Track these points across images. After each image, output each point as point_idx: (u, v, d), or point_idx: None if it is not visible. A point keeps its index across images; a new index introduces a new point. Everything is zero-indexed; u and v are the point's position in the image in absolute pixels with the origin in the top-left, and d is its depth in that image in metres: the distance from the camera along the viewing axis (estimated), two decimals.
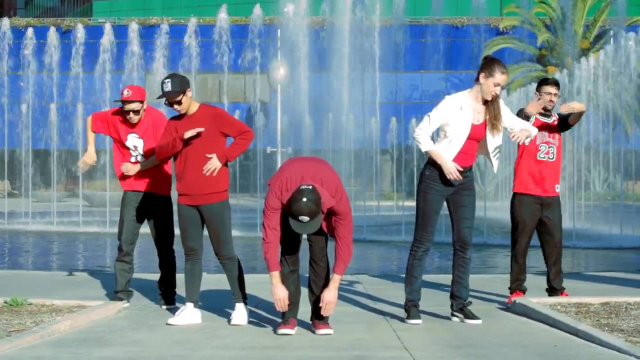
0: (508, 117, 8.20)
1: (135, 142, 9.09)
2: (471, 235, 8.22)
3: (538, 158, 9.23)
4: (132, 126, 9.09)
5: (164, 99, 8.20)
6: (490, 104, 8.07)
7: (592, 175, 31.32)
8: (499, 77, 8.00)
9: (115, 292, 9.14)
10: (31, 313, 8.26)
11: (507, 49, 51.26)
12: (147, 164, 9.07)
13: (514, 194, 9.33)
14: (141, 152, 9.08)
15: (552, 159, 9.25)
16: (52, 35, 37.18)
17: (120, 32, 60.48)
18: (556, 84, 9.33)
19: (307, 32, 60.59)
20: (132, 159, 9.10)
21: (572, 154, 26.17)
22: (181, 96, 8.16)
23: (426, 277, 9.53)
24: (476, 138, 8.07)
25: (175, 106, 8.21)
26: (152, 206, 9.14)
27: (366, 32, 59.98)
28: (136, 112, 9.00)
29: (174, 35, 60.29)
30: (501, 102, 8.17)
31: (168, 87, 8.15)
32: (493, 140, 8.11)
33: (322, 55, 47.89)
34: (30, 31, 42.32)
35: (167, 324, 8.07)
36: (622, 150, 26.12)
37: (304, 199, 7.16)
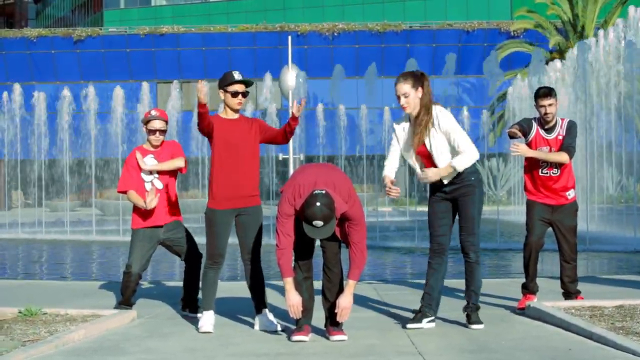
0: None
1: (151, 162, 9.15)
2: (470, 240, 8.16)
3: (540, 174, 9.23)
4: (152, 148, 9.19)
5: (235, 84, 8.24)
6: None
7: (605, 178, 31.23)
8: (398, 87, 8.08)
9: (125, 305, 9.17)
10: (45, 323, 8.28)
11: (518, 53, 51.17)
12: (162, 165, 9.15)
13: (526, 199, 9.39)
14: (156, 175, 9.16)
15: (557, 173, 9.21)
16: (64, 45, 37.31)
17: (131, 41, 60.79)
18: (548, 94, 9.15)
19: (318, 38, 60.65)
20: (147, 186, 9.13)
21: (584, 157, 26.11)
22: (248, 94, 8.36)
23: None
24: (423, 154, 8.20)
25: (240, 97, 8.29)
26: (171, 232, 9.21)
27: (377, 37, 59.99)
28: (162, 131, 9.14)
29: (184, 44, 60.55)
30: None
31: (243, 77, 8.31)
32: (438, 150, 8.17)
33: (333, 62, 47.80)
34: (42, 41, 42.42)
35: (202, 332, 8.06)
36: (635, 152, 26.03)
37: (318, 204, 7.17)
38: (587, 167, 26.47)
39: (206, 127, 8.19)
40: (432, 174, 8.03)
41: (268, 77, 40.82)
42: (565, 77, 28.87)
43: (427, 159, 8.11)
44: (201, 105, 7.99)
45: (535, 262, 9.29)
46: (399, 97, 8.05)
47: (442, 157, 8.04)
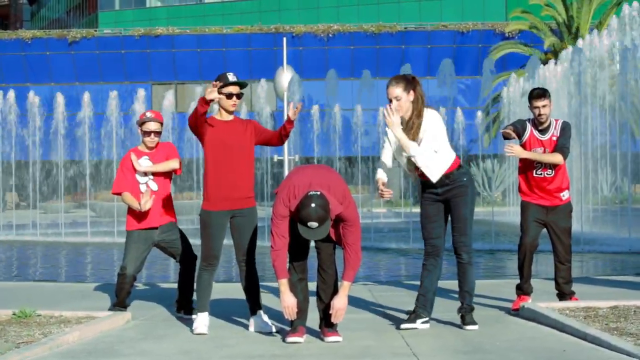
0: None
1: (146, 164, 9.16)
2: (463, 240, 8.17)
3: (535, 175, 9.24)
4: (147, 150, 9.19)
5: (230, 85, 8.21)
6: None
7: (599, 179, 31.26)
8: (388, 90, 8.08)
9: (119, 307, 9.17)
10: (40, 324, 8.27)
11: (513, 54, 51.21)
12: (156, 167, 9.16)
13: (521, 200, 9.41)
14: (151, 177, 9.16)
15: (551, 174, 9.22)
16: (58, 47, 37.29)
17: (126, 42, 60.75)
18: (542, 95, 9.16)
19: (313, 40, 60.64)
20: (142, 187, 9.13)
21: (579, 158, 26.14)
22: (242, 95, 8.34)
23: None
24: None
25: (235, 99, 8.26)
26: (166, 233, 9.20)
27: (372, 39, 59.97)
28: (157, 133, 9.12)
29: (179, 45, 60.54)
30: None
31: (237, 79, 8.27)
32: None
33: (328, 63, 47.74)
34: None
35: (197, 334, 8.05)
36: (630, 153, 26.06)
37: (313, 205, 7.16)
38: (582, 168, 26.48)
39: (200, 127, 8.17)
40: (399, 133, 7.98)
41: (263, 78, 40.82)
42: (560, 78, 28.90)
43: None
44: (205, 103, 7.97)
45: (530, 263, 9.31)
46: (390, 101, 8.05)
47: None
